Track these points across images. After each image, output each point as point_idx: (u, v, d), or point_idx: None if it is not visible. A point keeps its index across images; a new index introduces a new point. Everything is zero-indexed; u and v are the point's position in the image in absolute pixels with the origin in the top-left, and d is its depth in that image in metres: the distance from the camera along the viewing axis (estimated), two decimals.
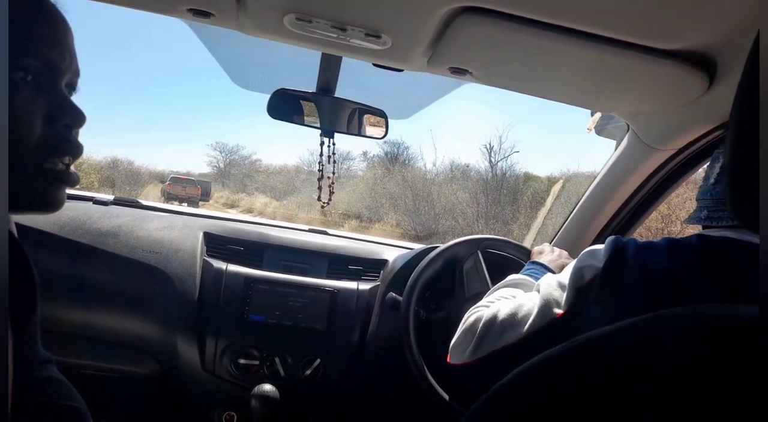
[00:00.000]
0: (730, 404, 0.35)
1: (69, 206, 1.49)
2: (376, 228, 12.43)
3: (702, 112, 1.04)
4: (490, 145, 13.51)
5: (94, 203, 1.57)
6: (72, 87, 0.65)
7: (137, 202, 1.69)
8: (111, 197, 1.65)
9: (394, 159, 18.18)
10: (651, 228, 7.57)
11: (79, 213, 1.45)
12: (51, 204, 0.62)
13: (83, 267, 1.36)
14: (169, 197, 19.09)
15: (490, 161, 13.50)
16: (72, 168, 0.65)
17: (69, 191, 0.68)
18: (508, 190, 12.13)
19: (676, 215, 7.76)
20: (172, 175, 21.45)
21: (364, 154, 20.56)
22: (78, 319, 1.34)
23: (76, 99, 0.66)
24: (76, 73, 0.65)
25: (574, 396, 0.41)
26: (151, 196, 19.25)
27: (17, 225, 0.72)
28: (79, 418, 0.62)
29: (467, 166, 15.00)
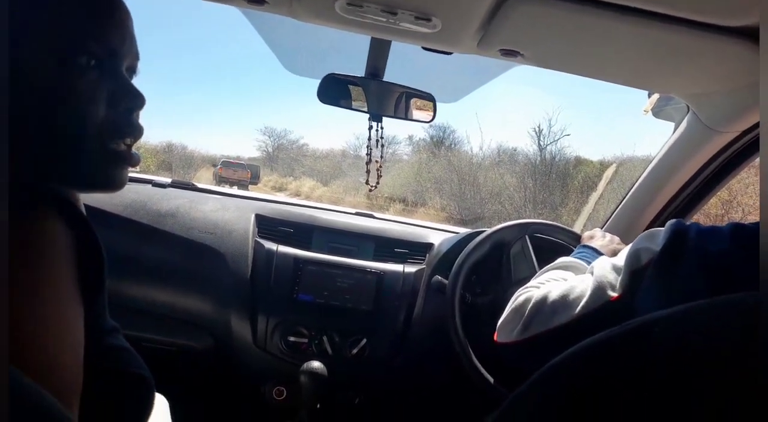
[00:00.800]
0: None
1: (131, 188, 1.57)
2: (421, 211, 12.41)
3: None
4: (539, 128, 13.15)
5: (153, 186, 1.65)
6: (132, 70, 0.67)
7: (193, 184, 1.76)
8: (168, 180, 1.73)
9: (440, 143, 17.99)
10: (710, 214, 7.23)
11: (140, 195, 1.52)
12: (115, 183, 0.65)
13: (144, 246, 1.44)
14: (220, 180, 19.65)
15: (539, 145, 13.14)
16: (133, 149, 0.68)
17: (130, 173, 0.71)
18: (557, 175, 11.81)
19: (738, 201, 7.37)
20: (223, 159, 22.03)
21: (410, 137, 20.44)
22: (139, 294, 1.42)
23: (136, 81, 0.68)
24: (136, 57, 0.67)
25: (624, 381, 0.41)
26: (203, 179, 19.88)
27: (85, 205, 0.76)
28: (146, 386, 0.66)
29: (515, 150, 14.64)
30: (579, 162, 12.30)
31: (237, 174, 20.26)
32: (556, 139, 12.91)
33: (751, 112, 1.08)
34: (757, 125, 1.11)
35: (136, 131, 0.65)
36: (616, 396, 0.42)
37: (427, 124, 1.58)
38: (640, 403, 0.40)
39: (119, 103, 0.62)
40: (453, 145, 17.28)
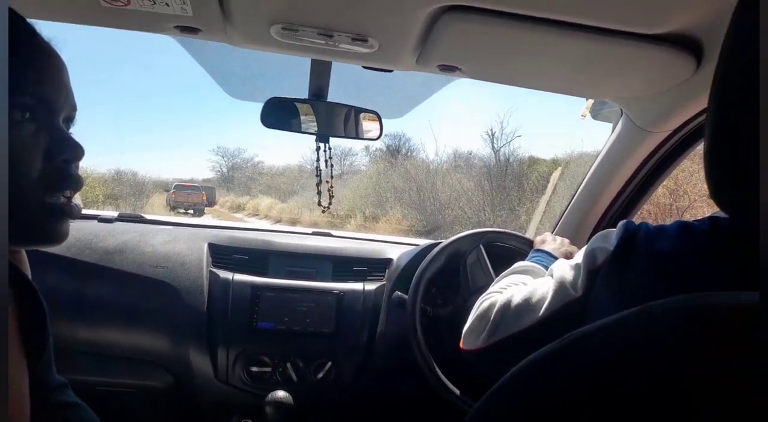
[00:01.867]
0: (721, 393, 0.35)
1: (75, 226, 1.49)
2: (381, 223, 12.44)
3: (692, 92, 1.04)
4: (491, 131, 13.46)
5: (99, 221, 1.58)
6: (69, 120, 0.66)
7: (141, 216, 1.70)
8: (115, 214, 1.66)
9: (396, 152, 18.17)
10: (659, 204, 7.55)
11: (85, 233, 1.46)
12: (55, 237, 0.63)
13: (93, 287, 1.37)
14: (174, 205, 19.15)
15: (493, 147, 13.45)
16: (74, 199, 0.66)
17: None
18: (513, 176, 12.08)
19: (684, 189, 7.73)
20: (176, 183, 21.50)
21: (366, 148, 20.56)
22: (92, 338, 1.36)
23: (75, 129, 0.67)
24: (74, 108, 0.66)
25: (569, 393, 0.42)
26: (156, 206, 19.34)
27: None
28: None
29: (470, 154, 14.94)
30: (533, 161, 12.62)
31: (191, 197, 19.78)
32: (508, 140, 13.24)
33: (679, 112, 1.13)
34: (685, 124, 1.17)
35: (76, 183, 0.64)
36: (565, 407, 0.42)
37: (375, 141, 1.59)
38: (587, 414, 0.41)
39: (56, 155, 0.61)
40: (409, 153, 17.49)
